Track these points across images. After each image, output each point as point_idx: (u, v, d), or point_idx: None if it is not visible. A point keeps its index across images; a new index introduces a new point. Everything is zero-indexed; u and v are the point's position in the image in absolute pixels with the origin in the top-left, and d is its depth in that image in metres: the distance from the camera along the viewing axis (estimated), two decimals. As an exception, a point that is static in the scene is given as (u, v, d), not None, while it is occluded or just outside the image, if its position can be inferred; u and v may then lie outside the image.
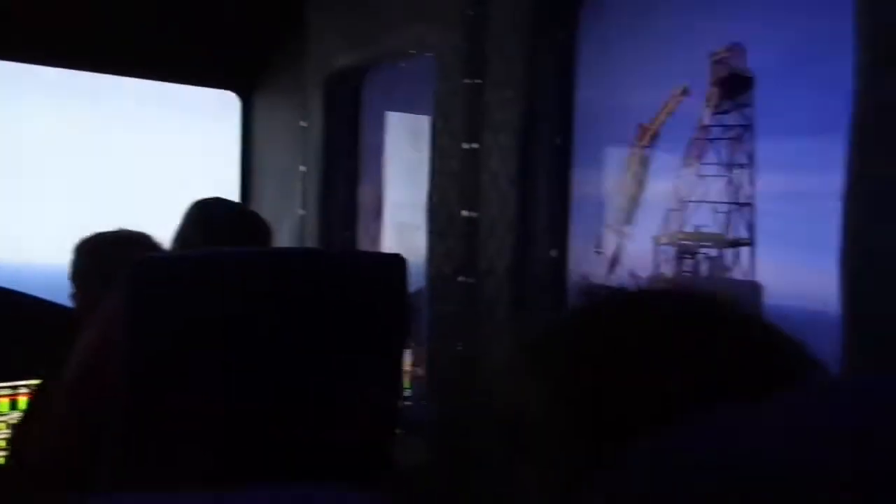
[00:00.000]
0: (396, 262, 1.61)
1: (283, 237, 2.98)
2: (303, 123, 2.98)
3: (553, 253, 1.90)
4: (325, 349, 1.46)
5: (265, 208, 3.16)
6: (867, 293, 0.92)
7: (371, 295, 1.55)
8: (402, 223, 3.17)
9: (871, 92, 0.96)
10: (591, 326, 0.50)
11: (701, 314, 0.48)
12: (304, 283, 1.45)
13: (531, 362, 0.50)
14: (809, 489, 0.24)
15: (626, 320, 0.49)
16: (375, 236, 3.21)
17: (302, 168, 2.97)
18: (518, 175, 1.95)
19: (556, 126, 1.98)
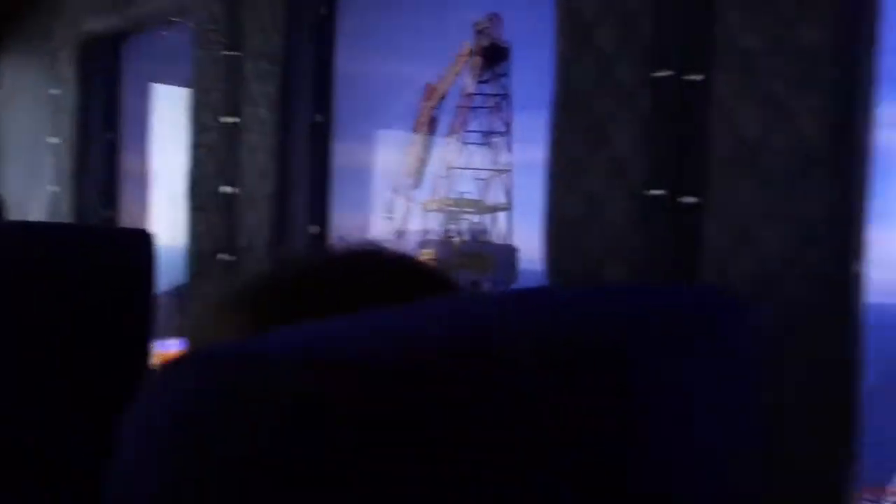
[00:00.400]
0: (142, 238, 1.55)
1: (34, 216, 2.78)
2: (53, 91, 2.78)
3: (313, 229, 1.93)
4: (55, 334, 1.39)
5: (11, 184, 2.93)
6: (561, 254, 1.03)
7: (111, 274, 1.49)
8: (175, 196, 3.07)
9: (565, 75, 1.07)
10: (280, 274, 0.55)
11: (371, 264, 0.54)
12: (29, 262, 1.37)
13: (227, 303, 0.55)
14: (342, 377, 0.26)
15: (312, 268, 0.55)
16: (141, 211, 3.08)
17: (54, 140, 2.78)
18: (277, 150, 1.95)
19: (316, 100, 2.00)
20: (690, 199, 0.90)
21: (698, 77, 0.90)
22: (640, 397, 0.32)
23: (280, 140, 1.96)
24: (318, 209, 1.98)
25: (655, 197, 0.94)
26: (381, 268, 0.54)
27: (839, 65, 0.80)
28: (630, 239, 0.97)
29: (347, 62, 2.13)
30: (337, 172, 2.06)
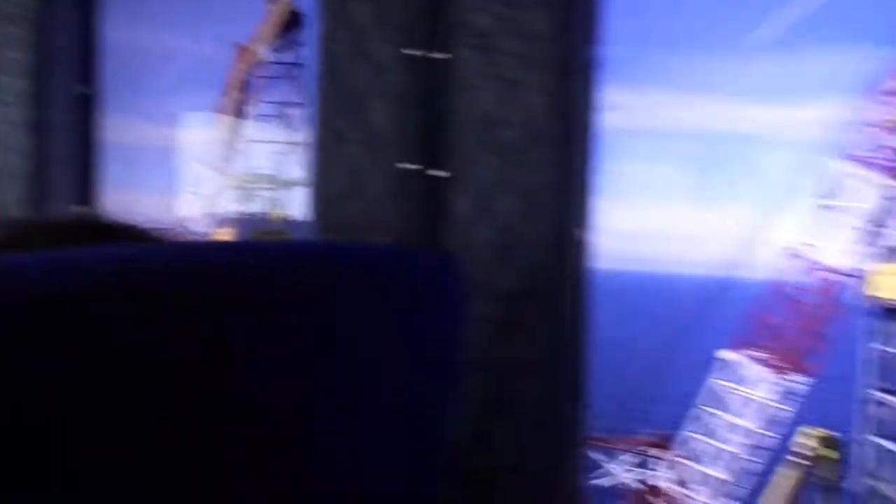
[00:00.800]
0: None
1: None
2: None
3: (77, 208, 1.83)
4: None
5: None
6: (326, 227, 1.07)
7: None
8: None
9: (325, 49, 1.10)
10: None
11: (81, 228, 0.55)
12: None
13: None
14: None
15: (17, 233, 0.55)
16: None
17: None
18: (35, 124, 1.83)
19: (80, 70, 1.89)
20: (439, 173, 0.96)
21: (445, 56, 0.96)
22: (343, 352, 0.34)
23: (38, 113, 1.84)
24: (83, 188, 1.87)
25: (408, 170, 0.99)
26: (90, 232, 0.55)
27: (562, 47, 0.89)
28: (388, 211, 1.02)
29: (143, 34, 2.03)
30: (133, 150, 1.96)
